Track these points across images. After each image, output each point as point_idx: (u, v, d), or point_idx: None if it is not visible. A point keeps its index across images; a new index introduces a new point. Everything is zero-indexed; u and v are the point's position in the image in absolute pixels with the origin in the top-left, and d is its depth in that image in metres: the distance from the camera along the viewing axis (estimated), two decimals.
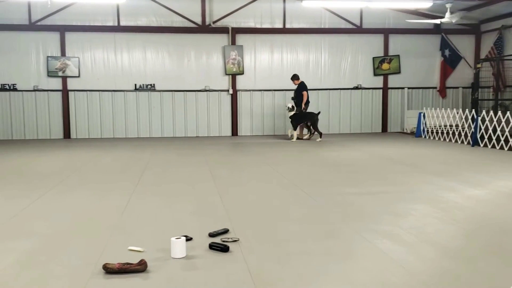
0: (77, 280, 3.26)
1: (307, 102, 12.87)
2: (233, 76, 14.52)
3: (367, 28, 14.88)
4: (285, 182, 6.89)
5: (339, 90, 15.04)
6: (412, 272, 3.38)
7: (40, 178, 7.36)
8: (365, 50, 15.05)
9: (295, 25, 14.63)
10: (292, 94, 13.25)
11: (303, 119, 12.86)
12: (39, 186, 6.63)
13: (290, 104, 12.90)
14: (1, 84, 13.63)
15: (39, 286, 3.18)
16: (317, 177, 7.40)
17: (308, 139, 12.99)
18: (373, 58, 15.08)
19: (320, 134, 12.82)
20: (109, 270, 3.37)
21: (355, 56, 15.02)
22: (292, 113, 12.72)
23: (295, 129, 12.87)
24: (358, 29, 14.87)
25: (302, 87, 12.96)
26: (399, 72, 15.22)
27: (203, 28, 14.19)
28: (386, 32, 14.99)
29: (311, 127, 12.96)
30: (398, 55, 15.11)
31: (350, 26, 14.83)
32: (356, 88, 15.12)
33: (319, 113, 13.04)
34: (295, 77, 13.08)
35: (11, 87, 13.67)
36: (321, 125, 15.00)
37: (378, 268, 3.49)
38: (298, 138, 12.95)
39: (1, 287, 3.16)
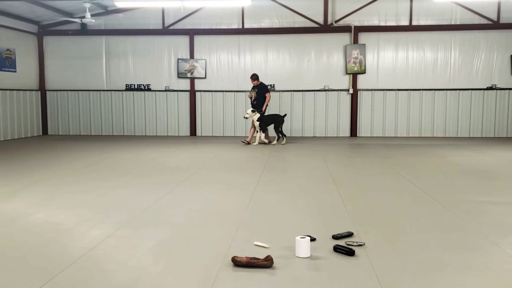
0: (209, 270, 3.42)
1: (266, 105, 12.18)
2: (354, 76, 14.25)
3: (505, 23, 13.64)
4: (412, 186, 6.57)
5: (470, 91, 14.01)
6: None
7: (171, 172, 7.88)
8: (502, 47, 13.82)
9: (422, 22, 13.93)
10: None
11: (271, 121, 12.09)
12: (171, 179, 7.09)
13: (250, 109, 12.04)
14: (137, 85, 14.89)
15: (175, 272, 3.39)
16: (447, 182, 6.95)
17: (270, 143, 12.10)
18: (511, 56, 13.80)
19: (284, 137, 12.12)
20: (237, 263, 3.48)
21: (489, 53, 13.86)
22: (258, 115, 11.89)
23: (264, 131, 12.03)
24: (495, 25, 13.69)
25: (265, 89, 12.22)
26: None
27: (325, 27, 14.12)
28: None
29: (275, 129, 12.11)
30: None
31: (485, 21, 13.71)
32: (490, 88, 13.95)
33: (285, 115, 12.34)
34: (255, 77, 12.21)
35: (146, 87, 14.86)
36: (450, 127, 14.22)
37: None
38: (262, 143, 12.04)
39: (140, 272, 3.42)
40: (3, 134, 13.28)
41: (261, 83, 12.37)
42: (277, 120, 12.14)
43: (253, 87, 12.31)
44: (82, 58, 14.93)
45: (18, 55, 14.00)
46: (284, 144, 12.01)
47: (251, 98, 12.34)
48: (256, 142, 11.97)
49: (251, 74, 12.45)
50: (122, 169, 8.25)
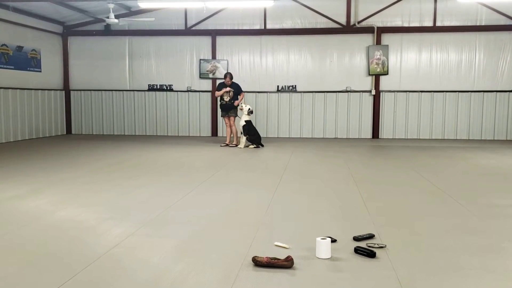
0: (230, 270, 3.43)
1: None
2: (376, 77, 14.13)
3: None
4: (434, 188, 6.49)
5: (495, 93, 13.75)
6: None
7: (193, 172, 7.94)
8: None
9: (447, 23, 13.73)
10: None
11: (252, 132, 11.60)
12: (192, 179, 7.14)
13: (248, 107, 11.65)
14: (160, 85, 15.02)
15: (196, 272, 3.41)
16: (469, 185, 6.84)
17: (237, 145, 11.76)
18: None
19: (237, 143, 11.74)
20: (257, 263, 3.48)
21: None
22: (248, 118, 11.50)
23: (245, 135, 11.58)
24: None
25: (239, 88, 11.92)
26: None
27: (347, 28, 14.03)
28: None
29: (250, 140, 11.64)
30: None
31: (511, 22, 13.45)
32: None
33: (263, 146, 11.79)
34: (231, 76, 11.88)
35: (168, 88, 14.99)
36: (474, 130, 14.08)
37: None
38: (227, 145, 11.81)
39: (161, 270, 3.45)
40: (28, 133, 13.56)
41: (233, 82, 12.02)
42: (256, 137, 11.65)
43: (224, 85, 11.86)
44: (106, 58, 15.14)
45: (43, 55, 14.28)
46: (241, 148, 11.48)
47: (225, 97, 11.78)
48: (242, 145, 11.60)
49: (225, 73, 12.12)
50: (144, 168, 8.34)
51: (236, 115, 11.99)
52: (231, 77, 11.94)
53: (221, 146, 11.88)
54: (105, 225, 4.61)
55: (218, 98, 12.32)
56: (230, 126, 11.99)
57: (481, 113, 13.84)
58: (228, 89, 11.84)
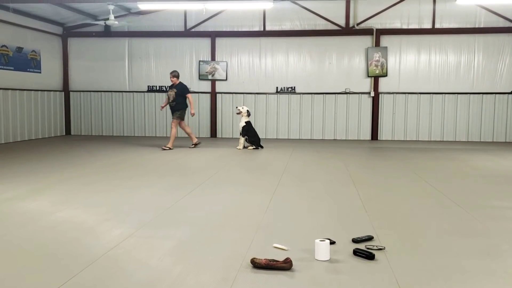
0: (228, 271, 3.43)
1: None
2: (375, 78, 14.15)
3: None
4: (433, 190, 6.50)
5: (493, 95, 13.78)
6: None
7: (192, 173, 7.95)
8: None
9: (445, 25, 13.76)
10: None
11: (252, 134, 11.59)
12: (191, 180, 7.15)
13: (247, 108, 11.68)
14: (159, 86, 15.03)
15: (195, 273, 3.42)
16: (468, 187, 6.84)
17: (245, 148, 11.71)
18: None
19: (246, 141, 11.67)
20: (256, 264, 3.49)
21: None
22: (247, 119, 11.51)
23: (244, 136, 11.54)
24: None
25: (185, 89, 11.45)
26: None
27: (347, 30, 14.05)
28: None
29: (248, 140, 11.62)
30: None
31: (510, 24, 13.48)
32: None
33: (262, 147, 11.77)
34: (176, 74, 11.37)
35: (167, 89, 14.95)
36: (473, 131, 14.12)
37: None
38: (245, 147, 11.66)
39: (160, 272, 3.46)
40: (27, 134, 13.55)
41: (180, 82, 11.59)
42: (255, 139, 11.66)
43: (172, 86, 11.49)
44: (105, 60, 15.15)
45: (43, 56, 14.29)
46: (240, 149, 11.48)
47: (168, 98, 11.49)
48: (241, 146, 11.56)
49: (172, 70, 11.73)
50: (143, 169, 8.34)
51: (178, 118, 11.50)
52: (175, 75, 11.43)
53: (163, 148, 11.38)
54: (104, 226, 4.62)
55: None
56: (171, 128, 11.53)
57: (480, 115, 13.86)
58: (170, 90, 11.49)
